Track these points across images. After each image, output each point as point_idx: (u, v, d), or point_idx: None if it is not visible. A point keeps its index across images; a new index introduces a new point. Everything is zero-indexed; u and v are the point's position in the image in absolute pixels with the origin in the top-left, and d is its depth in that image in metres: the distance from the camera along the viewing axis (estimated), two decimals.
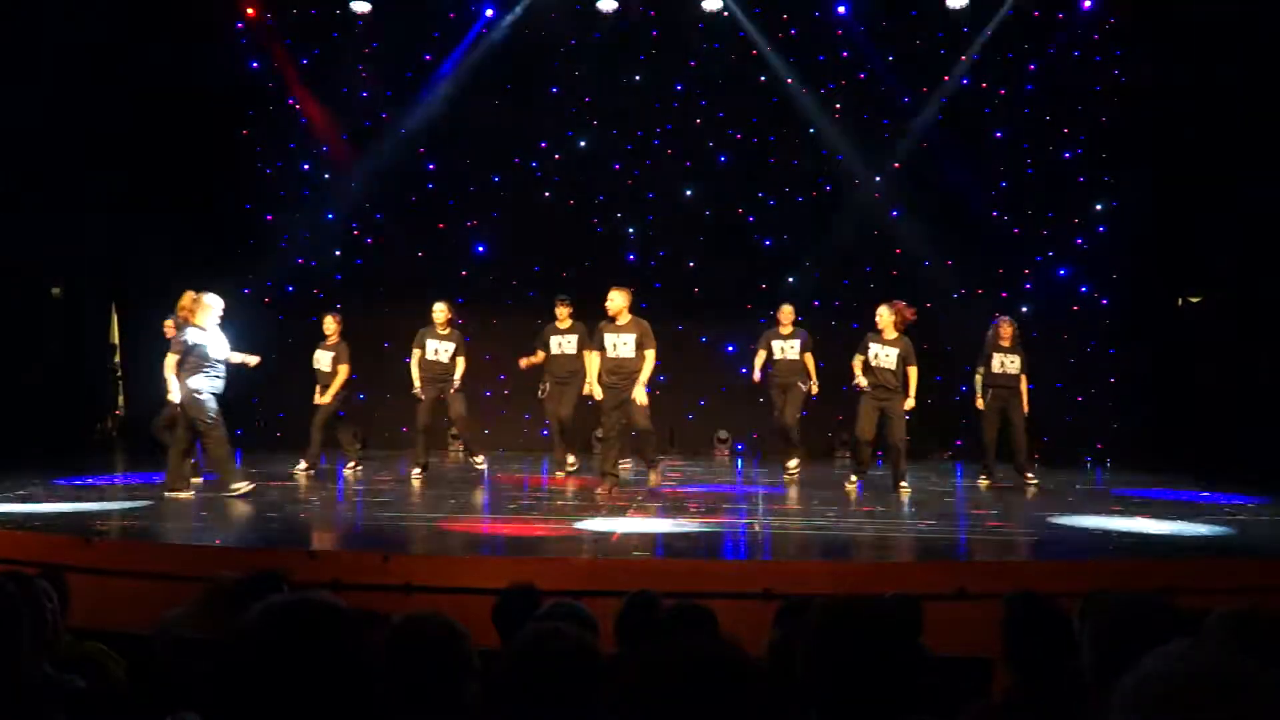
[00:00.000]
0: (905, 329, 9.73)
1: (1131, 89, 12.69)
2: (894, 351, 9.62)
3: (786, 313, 11.03)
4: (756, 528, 7.85)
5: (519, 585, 3.98)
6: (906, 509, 9.00)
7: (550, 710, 2.23)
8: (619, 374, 9.19)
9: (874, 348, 9.66)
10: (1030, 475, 10.34)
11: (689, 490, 9.98)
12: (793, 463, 10.88)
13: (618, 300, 9.33)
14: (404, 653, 2.42)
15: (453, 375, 10.31)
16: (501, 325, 12.87)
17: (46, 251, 11.85)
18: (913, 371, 9.64)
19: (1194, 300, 12.64)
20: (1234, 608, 2.60)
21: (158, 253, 12.27)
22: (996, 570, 6.21)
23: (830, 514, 8.58)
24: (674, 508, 8.69)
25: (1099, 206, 13.18)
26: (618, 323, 9.31)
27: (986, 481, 10.36)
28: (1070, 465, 12.33)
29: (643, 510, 8.51)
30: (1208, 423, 11.60)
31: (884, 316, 9.68)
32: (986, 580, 5.76)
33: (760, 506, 9.02)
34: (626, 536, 7.29)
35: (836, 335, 11.69)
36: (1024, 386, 10.35)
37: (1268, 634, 2.46)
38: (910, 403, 9.65)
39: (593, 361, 9.35)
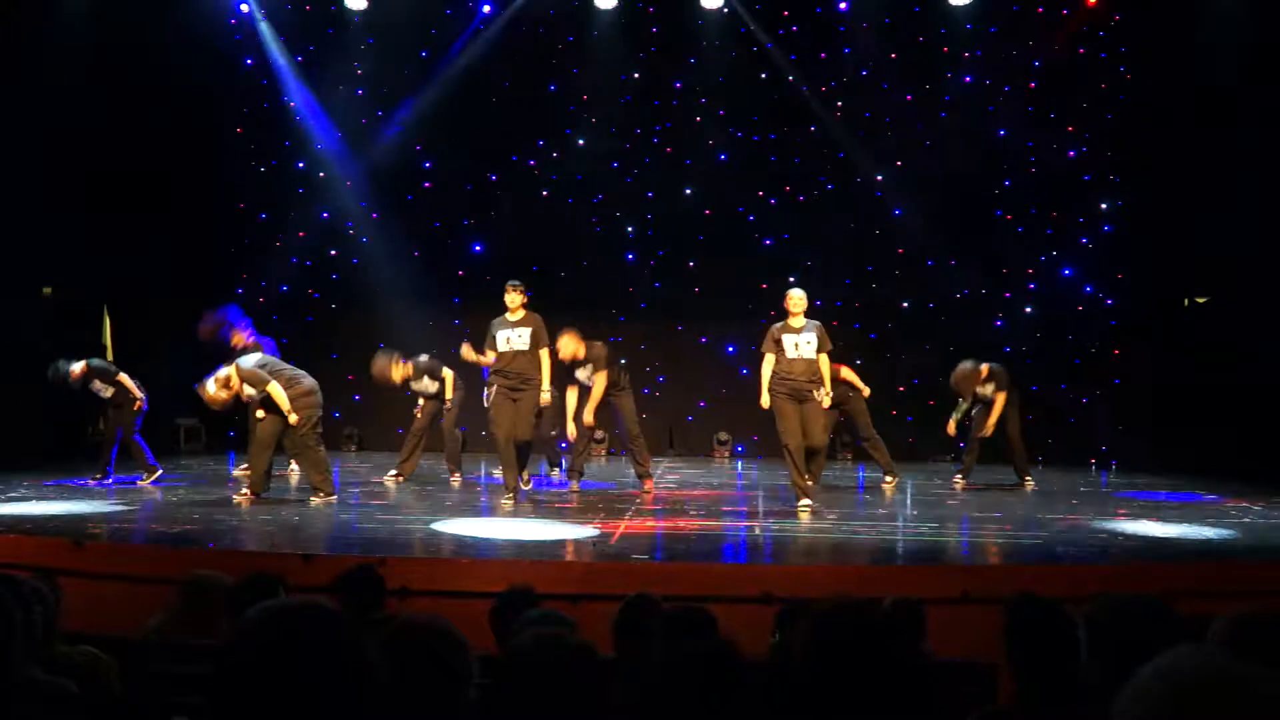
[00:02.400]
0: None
1: (1137, 87, 12.66)
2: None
3: (796, 300, 8.56)
4: (756, 530, 7.80)
5: (516, 588, 3.94)
6: (907, 511, 8.95)
7: (549, 715, 2.19)
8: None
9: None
10: (1029, 479, 10.31)
11: (688, 493, 9.93)
12: (804, 502, 8.45)
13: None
14: (401, 658, 2.38)
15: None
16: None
17: (37, 251, 11.81)
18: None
19: (1200, 301, 12.59)
20: (1238, 611, 2.56)
21: (151, 252, 12.25)
22: (999, 574, 6.17)
23: (831, 516, 8.53)
24: (673, 510, 8.65)
25: (1104, 206, 13.14)
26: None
27: (961, 482, 10.37)
28: (1074, 467, 12.28)
29: (641, 513, 8.47)
30: (1213, 425, 11.56)
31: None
32: (989, 584, 5.71)
33: (760, 509, 8.96)
34: (625, 539, 7.24)
35: (838, 336, 11.63)
36: (999, 403, 10.11)
37: (1272, 637, 2.42)
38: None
39: (599, 383, 9.37)
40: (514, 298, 8.81)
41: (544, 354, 8.69)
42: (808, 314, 8.61)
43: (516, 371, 8.69)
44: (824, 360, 8.50)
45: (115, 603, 5.62)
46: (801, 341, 8.42)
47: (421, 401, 10.47)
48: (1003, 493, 9.97)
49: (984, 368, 10.02)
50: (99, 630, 4.02)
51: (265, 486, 8.55)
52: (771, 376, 8.43)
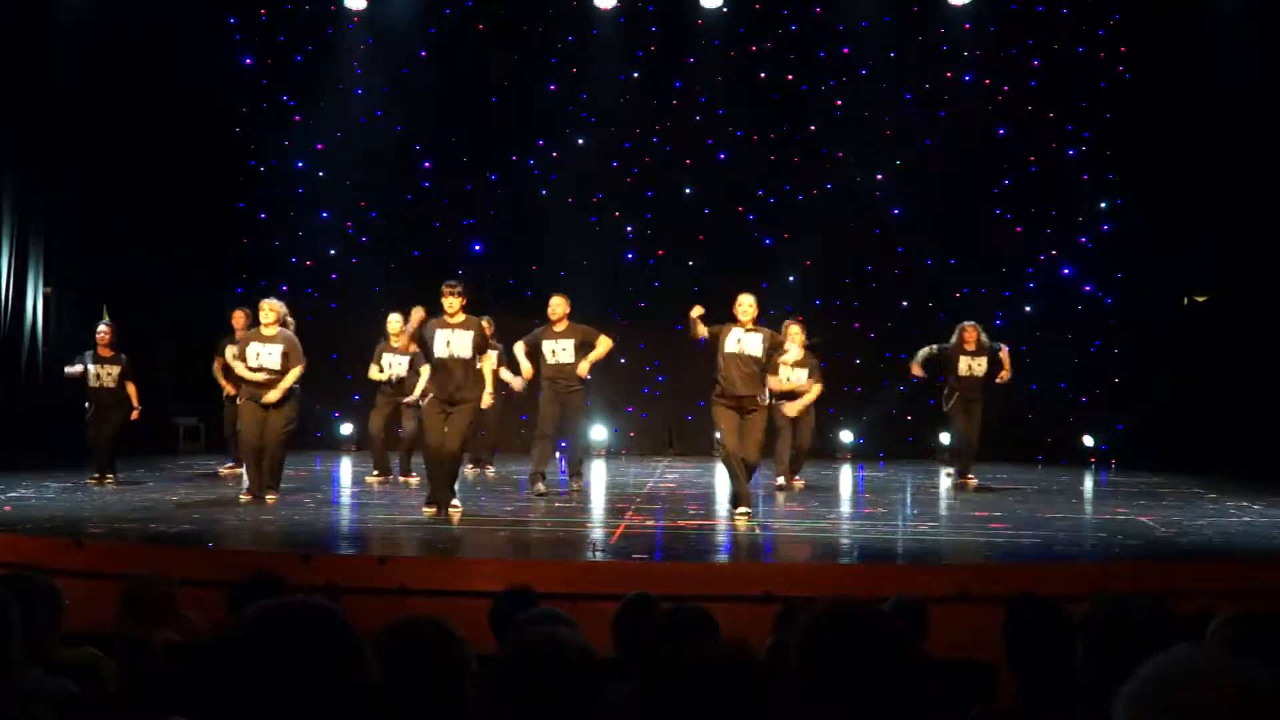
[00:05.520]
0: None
1: (1136, 86, 12.66)
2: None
3: (746, 306, 8.11)
4: (756, 529, 7.80)
5: (516, 588, 3.93)
6: (907, 511, 8.95)
7: (549, 715, 2.18)
8: (561, 377, 9.18)
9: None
10: (971, 478, 10.08)
11: (688, 492, 9.93)
12: (742, 509, 7.89)
13: (560, 306, 9.29)
14: (399, 657, 2.37)
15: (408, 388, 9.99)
16: (498, 325, 12.82)
17: (37, 250, 11.82)
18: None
19: (1199, 300, 12.59)
20: (1236, 610, 2.56)
21: (151, 251, 12.24)
22: (998, 573, 6.16)
23: (831, 516, 8.52)
24: (673, 510, 8.64)
25: (1103, 205, 13.14)
26: (556, 329, 9.26)
27: (974, 481, 10.10)
28: (1073, 465, 12.28)
29: (641, 513, 8.46)
30: (1211, 423, 11.56)
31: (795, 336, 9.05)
32: (988, 583, 5.70)
33: (760, 508, 8.96)
34: (624, 538, 7.24)
35: (838, 335, 11.64)
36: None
37: (1271, 637, 2.42)
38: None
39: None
40: (451, 301, 7.97)
41: (486, 360, 7.98)
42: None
43: (456, 383, 7.85)
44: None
45: (115, 603, 5.61)
46: (746, 340, 7.89)
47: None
48: (992, 491, 9.93)
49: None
50: (99, 630, 4.02)
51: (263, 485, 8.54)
52: (713, 386, 7.96)
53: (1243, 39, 11.40)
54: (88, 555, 6.32)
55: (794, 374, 9.31)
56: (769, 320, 8.45)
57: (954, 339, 10.05)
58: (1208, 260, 12.11)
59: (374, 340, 10.70)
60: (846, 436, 13.01)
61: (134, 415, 9.75)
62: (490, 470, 10.85)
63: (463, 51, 13.26)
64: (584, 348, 9.19)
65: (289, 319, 8.82)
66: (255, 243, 13.33)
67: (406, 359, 10.01)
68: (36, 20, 11.31)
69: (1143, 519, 8.29)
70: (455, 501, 8.07)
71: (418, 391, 9.83)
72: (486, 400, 8.02)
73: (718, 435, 8.11)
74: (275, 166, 13.53)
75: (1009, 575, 5.98)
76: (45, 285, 11.96)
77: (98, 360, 9.58)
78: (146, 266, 12.17)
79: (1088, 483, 11.22)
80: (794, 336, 8.83)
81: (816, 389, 9.51)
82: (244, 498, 8.48)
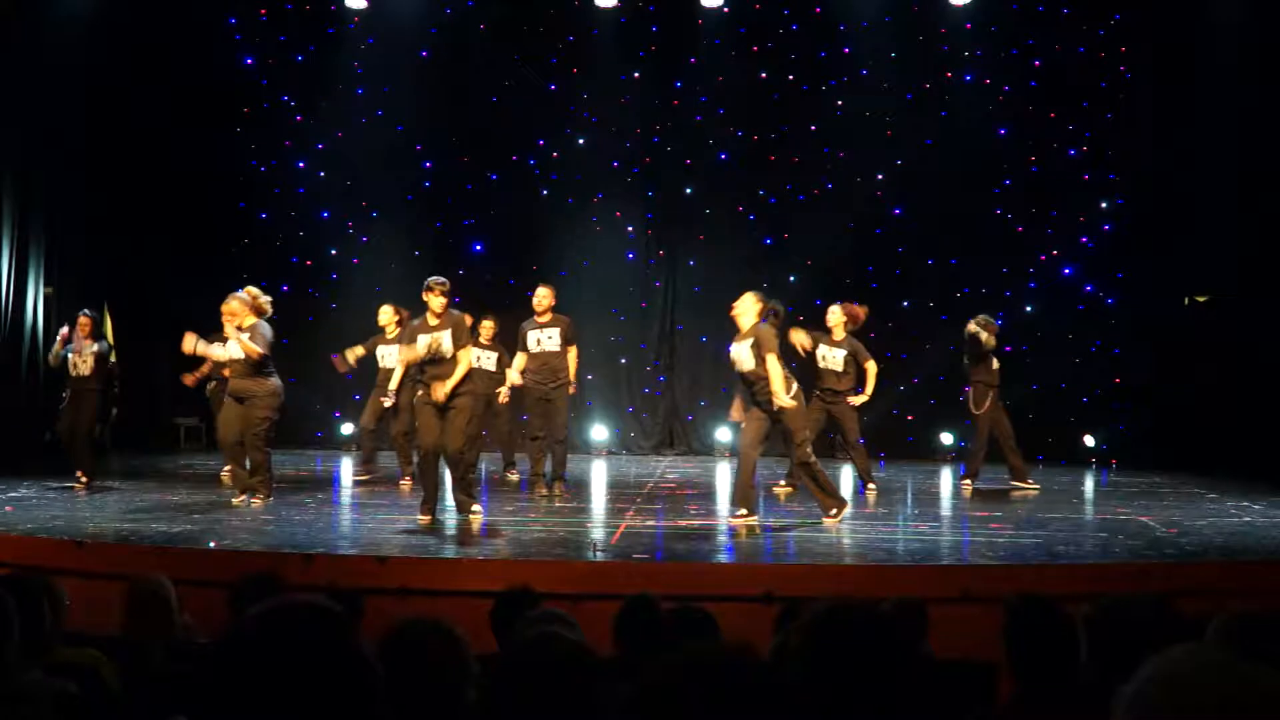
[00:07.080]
0: (857, 329, 9.70)
1: (1136, 86, 12.65)
2: (841, 352, 9.54)
3: (737, 308, 8.13)
4: (757, 530, 7.80)
5: (516, 588, 3.94)
6: (907, 511, 8.95)
7: (549, 715, 2.19)
8: (546, 369, 9.27)
9: (821, 348, 9.50)
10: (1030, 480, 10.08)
11: (688, 492, 9.93)
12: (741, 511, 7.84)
13: (546, 298, 9.38)
14: (400, 658, 2.38)
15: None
16: (499, 325, 12.83)
17: (38, 250, 11.82)
18: (870, 367, 9.61)
19: (1200, 300, 12.58)
20: (1238, 611, 2.56)
21: (151, 252, 12.25)
22: (1000, 573, 6.17)
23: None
24: (673, 510, 8.65)
25: (1104, 205, 13.13)
26: (540, 319, 9.37)
27: (971, 485, 10.01)
28: (1074, 466, 12.27)
29: (642, 513, 8.47)
30: (1212, 423, 11.55)
31: (834, 315, 9.59)
32: (990, 583, 5.71)
33: (761, 508, 8.95)
34: (625, 538, 7.25)
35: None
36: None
37: (1272, 637, 2.42)
38: (863, 398, 9.70)
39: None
40: (434, 299, 7.90)
41: (462, 354, 7.83)
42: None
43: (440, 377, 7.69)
44: (771, 363, 7.58)
45: (115, 603, 5.62)
46: (734, 349, 7.89)
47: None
48: (996, 493, 9.93)
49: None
50: (99, 630, 4.03)
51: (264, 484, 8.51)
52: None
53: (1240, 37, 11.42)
54: (88, 556, 6.33)
55: (831, 353, 9.54)
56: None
57: (985, 336, 9.83)
58: (1208, 260, 12.10)
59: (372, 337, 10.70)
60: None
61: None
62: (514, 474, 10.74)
63: (463, 51, 13.26)
64: (567, 340, 9.33)
65: (262, 307, 8.65)
66: (255, 243, 13.31)
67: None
68: (36, 20, 11.31)
69: (1143, 519, 8.30)
70: (476, 507, 7.99)
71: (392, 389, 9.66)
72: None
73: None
74: (275, 166, 13.52)
75: (1009, 575, 5.99)
76: (45, 285, 11.96)
77: (76, 350, 9.46)
78: (146, 266, 12.18)
79: (1088, 483, 11.22)
80: (833, 316, 9.48)
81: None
82: (236, 501, 8.43)
